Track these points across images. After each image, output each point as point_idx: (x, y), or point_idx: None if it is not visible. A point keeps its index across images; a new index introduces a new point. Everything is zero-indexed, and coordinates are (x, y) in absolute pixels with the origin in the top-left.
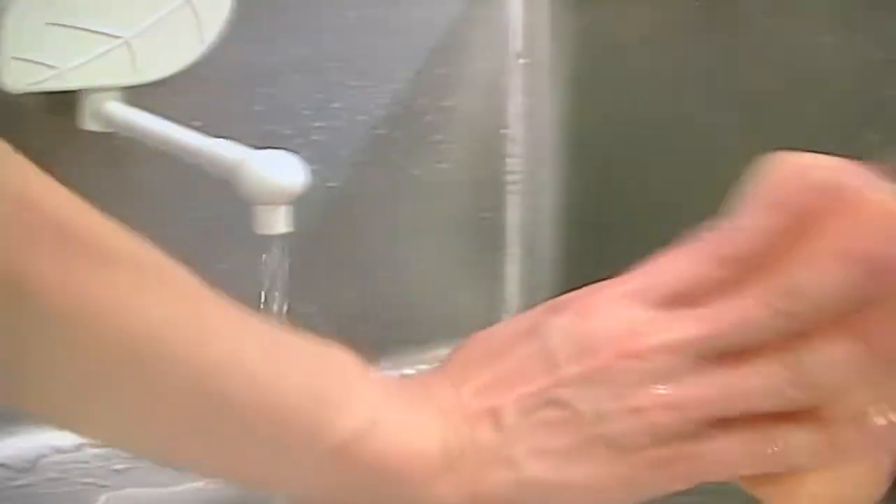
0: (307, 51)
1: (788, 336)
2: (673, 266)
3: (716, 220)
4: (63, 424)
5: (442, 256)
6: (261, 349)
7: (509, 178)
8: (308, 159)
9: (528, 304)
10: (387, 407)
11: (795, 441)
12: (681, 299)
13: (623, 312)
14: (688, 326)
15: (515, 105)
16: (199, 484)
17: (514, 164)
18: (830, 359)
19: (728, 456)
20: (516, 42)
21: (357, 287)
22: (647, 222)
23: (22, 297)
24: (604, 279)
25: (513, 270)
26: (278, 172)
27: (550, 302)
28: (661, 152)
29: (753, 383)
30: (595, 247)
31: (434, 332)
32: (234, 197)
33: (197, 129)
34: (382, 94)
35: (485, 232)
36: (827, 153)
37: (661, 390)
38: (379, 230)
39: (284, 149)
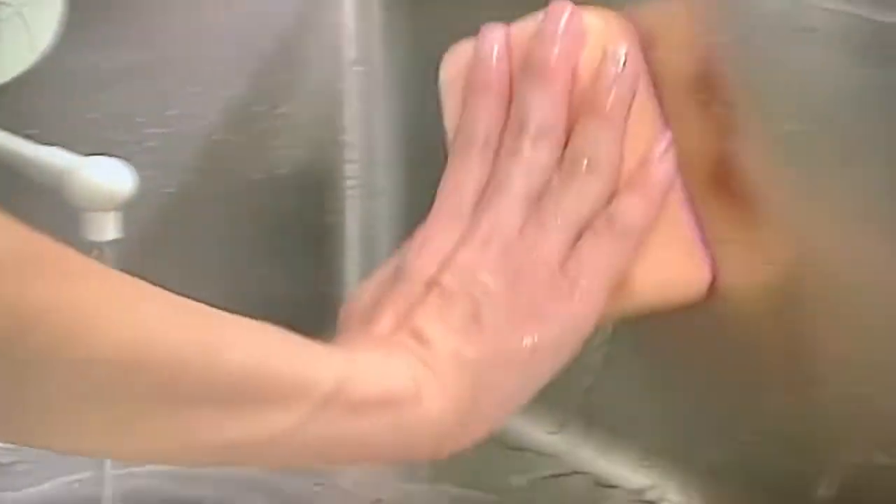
0: (141, 58)
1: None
2: (461, 176)
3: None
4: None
5: (281, 260)
6: (235, 326)
7: (348, 182)
8: (143, 165)
9: None
10: (348, 355)
11: (622, 207)
12: (480, 197)
13: (453, 233)
14: (501, 215)
15: (351, 111)
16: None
17: (352, 169)
18: (584, 136)
19: (599, 249)
20: (350, 50)
21: (195, 292)
22: None
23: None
24: None
25: (352, 273)
26: (105, 179)
27: (398, 251)
28: None
29: (564, 195)
30: None
31: None
32: (64, 204)
33: (31, 137)
34: (218, 100)
35: (324, 236)
36: None
37: (513, 241)
38: (217, 236)
39: (119, 155)
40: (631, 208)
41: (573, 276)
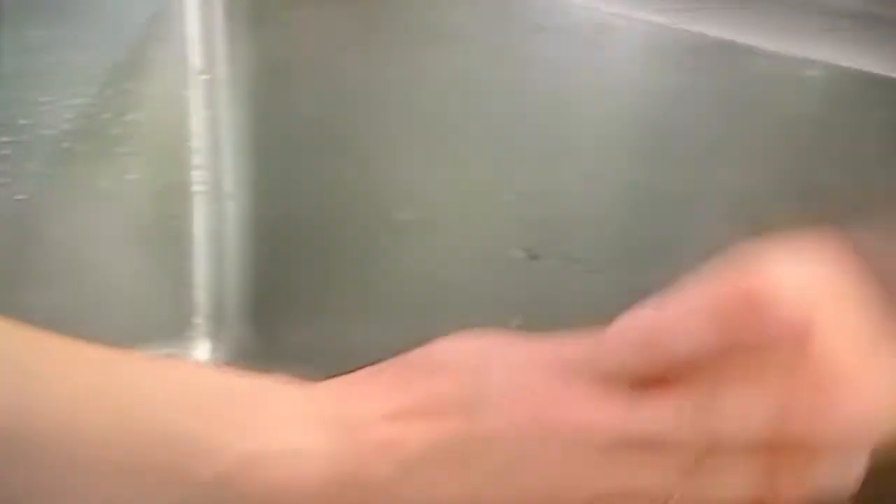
0: None
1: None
2: (613, 345)
3: (667, 298)
4: None
5: (132, 264)
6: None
7: (195, 187)
8: None
9: (217, 306)
10: (268, 433)
11: None
12: (616, 378)
13: (559, 382)
14: (613, 417)
15: (198, 118)
16: None
17: (200, 174)
18: (730, 490)
19: None
20: (196, 58)
21: (48, 297)
22: (327, 227)
23: None
24: (289, 283)
25: (201, 276)
26: None
27: (503, 338)
28: (335, 161)
29: (646, 483)
30: (280, 250)
31: (127, 336)
32: None
33: None
34: (67, 109)
35: (173, 239)
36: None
37: (562, 465)
38: (69, 241)
39: None
40: None
41: None
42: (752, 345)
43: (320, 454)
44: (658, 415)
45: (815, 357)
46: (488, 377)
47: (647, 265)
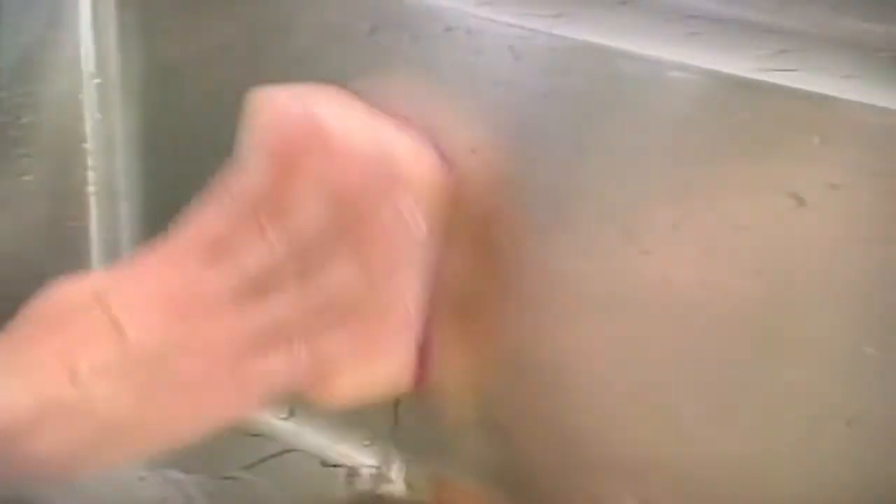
0: None
1: (304, 260)
2: (204, 220)
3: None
4: None
5: (28, 264)
6: None
7: (91, 188)
8: None
9: None
10: None
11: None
12: (219, 246)
13: (172, 273)
14: (222, 279)
15: (92, 121)
16: None
17: (94, 175)
18: (337, 279)
19: (284, 370)
20: (89, 63)
21: None
22: None
23: None
24: None
25: None
26: None
27: (116, 269)
28: (225, 162)
29: (278, 313)
30: None
31: None
32: None
33: None
34: None
35: (69, 239)
36: None
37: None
38: None
39: None
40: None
41: (244, 381)
42: (306, 167)
43: (22, 388)
44: (259, 256)
45: (345, 152)
46: (116, 300)
47: None
